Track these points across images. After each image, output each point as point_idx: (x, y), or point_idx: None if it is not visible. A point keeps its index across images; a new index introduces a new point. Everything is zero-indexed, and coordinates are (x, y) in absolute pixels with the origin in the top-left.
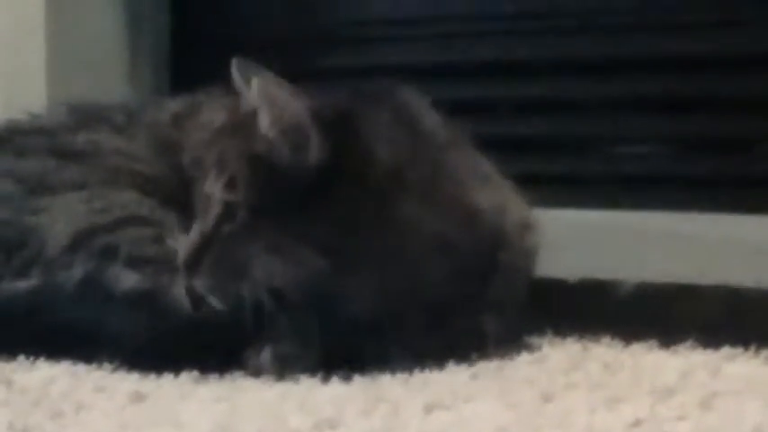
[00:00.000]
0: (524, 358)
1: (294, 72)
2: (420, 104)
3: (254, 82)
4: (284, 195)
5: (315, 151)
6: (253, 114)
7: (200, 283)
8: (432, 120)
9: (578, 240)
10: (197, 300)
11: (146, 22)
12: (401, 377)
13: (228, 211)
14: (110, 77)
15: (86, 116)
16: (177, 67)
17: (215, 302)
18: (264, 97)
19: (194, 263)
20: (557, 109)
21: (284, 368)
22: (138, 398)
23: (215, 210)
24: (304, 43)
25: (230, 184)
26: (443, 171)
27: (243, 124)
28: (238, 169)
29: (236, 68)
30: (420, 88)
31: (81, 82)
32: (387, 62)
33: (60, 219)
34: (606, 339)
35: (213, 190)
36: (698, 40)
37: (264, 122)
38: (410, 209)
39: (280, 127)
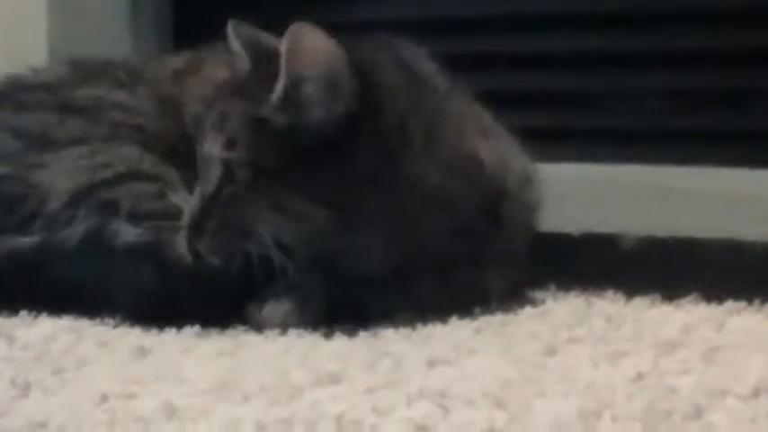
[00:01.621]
0: (527, 313)
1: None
2: (421, 58)
3: (287, 34)
4: (288, 154)
5: (347, 101)
6: (254, 76)
7: (204, 247)
8: (432, 73)
9: (581, 195)
10: (200, 260)
11: None
12: (404, 332)
13: (229, 171)
14: (111, 32)
15: (88, 71)
16: (179, 23)
17: (218, 263)
18: (296, 49)
19: (198, 226)
20: (557, 63)
21: (287, 323)
22: (141, 353)
23: (215, 171)
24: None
25: (231, 144)
26: (444, 124)
27: (243, 86)
28: (239, 130)
29: (232, 32)
30: (424, 41)
31: (82, 36)
32: (382, 17)
33: (62, 174)
34: (609, 294)
35: (213, 151)
36: None
37: (286, 81)
38: (413, 163)
39: (315, 78)
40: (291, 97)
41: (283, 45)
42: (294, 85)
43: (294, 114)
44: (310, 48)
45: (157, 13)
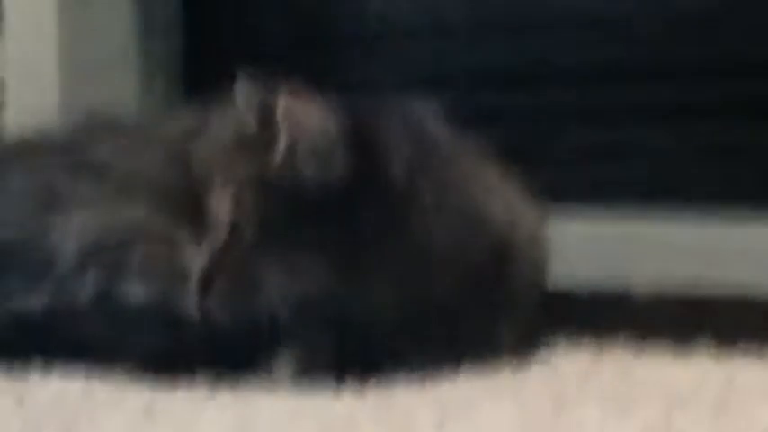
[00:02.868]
0: (537, 368)
1: (306, 78)
2: (430, 116)
3: (280, 103)
4: (294, 213)
5: (338, 167)
6: (260, 136)
7: (213, 305)
8: (441, 131)
9: (590, 250)
10: (210, 320)
11: (158, 26)
12: (414, 387)
13: (236, 231)
14: (122, 83)
15: (98, 130)
16: (190, 74)
17: (228, 322)
18: (289, 118)
19: (206, 285)
20: (564, 118)
21: (298, 379)
22: (151, 413)
23: (223, 231)
24: (320, 50)
25: (238, 203)
26: (453, 182)
27: (249, 145)
28: (246, 188)
29: (239, 93)
30: (428, 97)
31: (93, 88)
32: (404, 70)
33: (72, 236)
34: (619, 348)
35: (220, 211)
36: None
37: (284, 144)
38: (420, 221)
39: (306, 143)
40: (291, 158)
41: (278, 112)
42: (290, 149)
43: (295, 174)
44: (301, 117)
45: (168, 65)
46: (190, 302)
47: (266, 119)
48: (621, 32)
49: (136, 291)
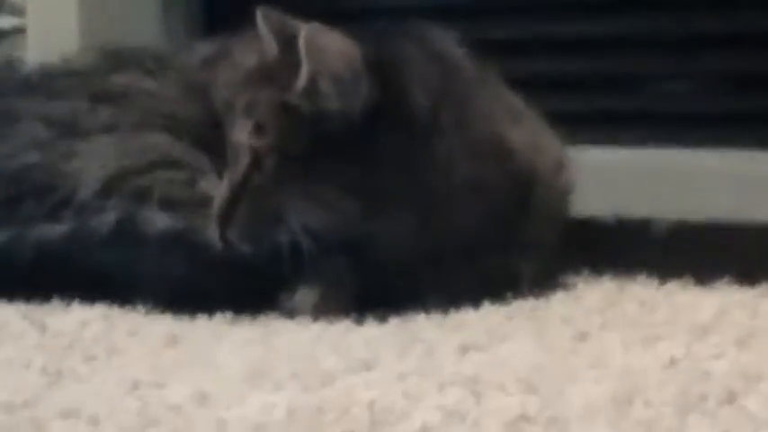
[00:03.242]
0: (559, 298)
1: (320, 13)
2: (450, 44)
3: (302, 33)
4: (316, 142)
5: (362, 97)
6: (283, 63)
7: (234, 235)
8: (461, 57)
9: (612, 179)
10: (231, 248)
11: None
12: (435, 318)
13: (258, 159)
14: (142, 19)
15: (118, 59)
16: (210, 10)
17: (248, 251)
18: (312, 48)
19: (227, 215)
20: (586, 47)
21: (318, 309)
22: (172, 340)
23: (244, 159)
24: None
25: (259, 132)
26: (475, 109)
27: (271, 72)
28: (268, 117)
29: (261, 19)
30: (449, 27)
31: (113, 24)
32: (412, 2)
33: (92, 162)
34: (642, 278)
35: (242, 137)
36: None
37: (307, 72)
38: (443, 150)
39: (330, 76)
40: (313, 87)
41: (300, 42)
42: (313, 77)
43: (317, 103)
44: (324, 47)
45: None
46: (211, 231)
47: (289, 46)
48: None
49: (157, 218)
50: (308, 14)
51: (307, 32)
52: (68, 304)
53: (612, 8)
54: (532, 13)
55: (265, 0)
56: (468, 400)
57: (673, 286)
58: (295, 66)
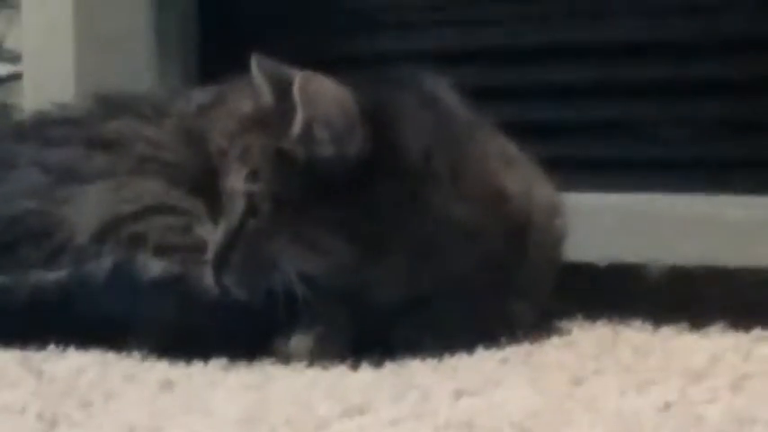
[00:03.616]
0: (554, 342)
1: (317, 58)
2: (444, 90)
3: (296, 79)
4: (311, 188)
5: (356, 145)
6: (277, 110)
7: (229, 280)
8: (456, 104)
9: (606, 224)
10: (226, 294)
11: (173, 8)
12: (431, 363)
13: (253, 205)
14: (137, 59)
15: (113, 106)
16: (205, 56)
17: (244, 297)
18: (306, 94)
19: (222, 260)
20: (581, 93)
21: (314, 355)
22: (168, 386)
23: (239, 205)
24: (330, 28)
25: (254, 178)
26: (469, 155)
27: (266, 119)
28: (263, 163)
29: (255, 66)
30: (444, 73)
31: (109, 71)
32: (407, 47)
33: (88, 208)
34: (636, 323)
35: (237, 184)
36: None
37: (301, 119)
38: (438, 196)
39: (324, 123)
40: (307, 134)
41: (295, 89)
42: (308, 124)
43: (312, 150)
44: (318, 94)
45: (184, 47)
46: (207, 277)
47: (283, 93)
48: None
49: (153, 264)
50: (301, 61)
51: (301, 79)
52: (64, 350)
53: (607, 55)
54: (528, 60)
55: (259, 47)
56: None
57: (667, 331)
58: (289, 112)
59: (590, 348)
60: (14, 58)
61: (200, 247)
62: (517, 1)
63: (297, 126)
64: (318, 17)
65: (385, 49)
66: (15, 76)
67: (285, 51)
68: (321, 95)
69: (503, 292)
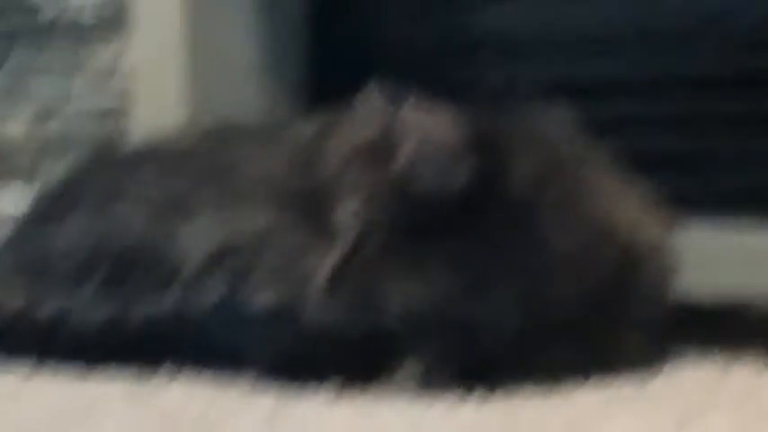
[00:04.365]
0: (663, 379)
1: (435, 85)
2: (554, 120)
3: (401, 112)
4: (420, 220)
5: (462, 178)
6: (387, 142)
7: (337, 310)
8: (568, 136)
9: (716, 258)
10: (335, 328)
11: (286, 35)
12: (539, 396)
13: (363, 235)
14: (248, 93)
15: (224, 135)
16: (317, 85)
17: (353, 328)
18: (411, 127)
19: (332, 290)
20: (694, 125)
21: (422, 386)
22: (276, 418)
23: (350, 235)
24: (446, 56)
25: (365, 209)
26: (578, 188)
27: (377, 149)
28: (373, 194)
29: (367, 95)
30: (558, 104)
31: (219, 100)
32: (524, 74)
33: (196, 239)
34: (746, 360)
35: (348, 215)
36: None
37: (407, 152)
38: (547, 229)
39: (428, 156)
40: (413, 166)
41: (400, 122)
42: (412, 155)
43: (417, 182)
44: (424, 127)
45: (295, 75)
46: (315, 309)
47: (389, 128)
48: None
49: (261, 296)
50: (421, 86)
51: (407, 112)
52: (172, 380)
53: (719, 86)
54: (639, 92)
55: (376, 71)
56: None
57: None
58: (395, 148)
59: (700, 385)
60: (122, 90)
61: (309, 278)
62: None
63: (402, 157)
64: (439, 40)
65: (508, 74)
66: (123, 106)
67: (403, 75)
68: (426, 128)
69: (612, 327)
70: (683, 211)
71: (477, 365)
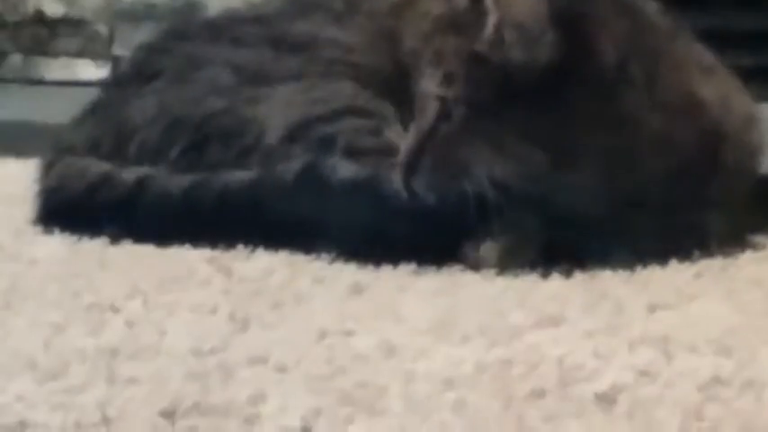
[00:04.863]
0: (749, 257)
1: None
2: None
3: None
4: (504, 93)
5: (547, 49)
6: (471, 11)
7: (420, 184)
8: (652, 12)
9: None
10: (416, 198)
11: None
12: (622, 274)
13: (446, 109)
14: None
15: (304, 5)
16: None
17: (435, 202)
18: None
19: (413, 164)
20: None
21: (505, 262)
22: (357, 289)
23: (432, 108)
24: None
25: (447, 82)
26: (666, 63)
27: (460, 20)
28: (456, 67)
29: None
30: None
31: None
32: None
33: (278, 109)
34: None
35: (430, 88)
36: None
37: (493, 21)
38: (633, 104)
39: (514, 25)
40: (498, 36)
41: None
42: (498, 25)
43: (503, 53)
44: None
45: None
46: (397, 181)
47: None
48: None
49: (342, 167)
50: None
51: None
52: (253, 251)
53: None
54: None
55: None
56: (659, 360)
57: None
58: (482, 14)
59: None
60: None
61: (390, 151)
62: None
63: (488, 28)
64: None
65: None
66: None
67: None
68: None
69: (696, 204)
70: None
71: (559, 241)
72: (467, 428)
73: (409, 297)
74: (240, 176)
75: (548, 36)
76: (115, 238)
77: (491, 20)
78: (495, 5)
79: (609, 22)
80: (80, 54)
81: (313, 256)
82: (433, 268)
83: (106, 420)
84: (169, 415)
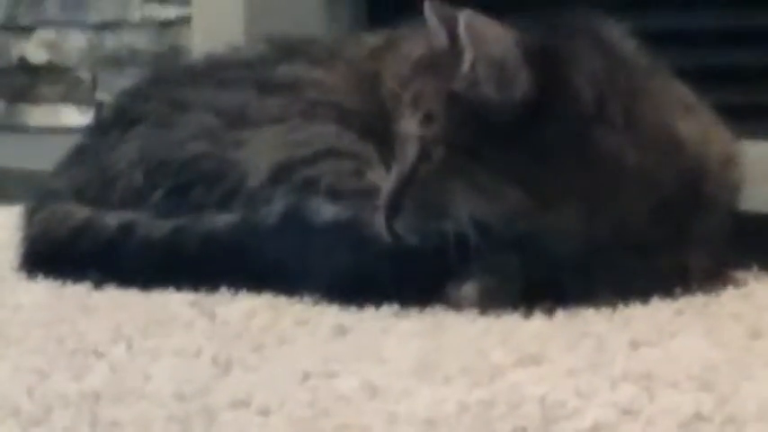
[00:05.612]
0: (729, 294)
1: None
2: (618, 34)
3: (461, 18)
4: (483, 132)
5: (522, 87)
6: (450, 52)
7: (401, 225)
8: (631, 49)
9: None
10: (398, 240)
11: None
12: (604, 312)
13: (426, 149)
14: (307, 11)
15: (285, 49)
16: (374, 2)
17: (416, 243)
18: (472, 34)
19: (394, 206)
20: (760, 39)
21: (486, 302)
22: (340, 331)
23: (412, 149)
24: None
25: (426, 122)
26: (645, 100)
27: (439, 61)
28: (435, 106)
29: (429, 9)
30: (619, 18)
31: (278, 16)
32: None
33: (260, 151)
34: None
35: (410, 128)
36: None
37: (469, 59)
38: (612, 142)
39: (488, 63)
40: (474, 72)
41: (460, 28)
42: (473, 62)
43: (478, 90)
44: (483, 33)
45: None
46: (378, 222)
47: (454, 35)
48: None
49: (325, 209)
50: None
51: (466, 17)
52: (236, 293)
53: None
54: (704, 5)
55: None
56: (641, 397)
57: None
58: (460, 54)
59: (766, 300)
60: (184, 1)
61: (372, 192)
62: None
63: (464, 65)
64: None
65: None
66: (185, 19)
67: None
68: (485, 34)
69: (677, 242)
70: (751, 125)
71: (541, 280)
72: None
73: (392, 338)
74: (223, 219)
75: (523, 73)
76: (98, 283)
77: (467, 57)
78: (471, 43)
79: (584, 58)
80: (63, 100)
81: (296, 298)
82: (416, 310)
83: None
84: None
